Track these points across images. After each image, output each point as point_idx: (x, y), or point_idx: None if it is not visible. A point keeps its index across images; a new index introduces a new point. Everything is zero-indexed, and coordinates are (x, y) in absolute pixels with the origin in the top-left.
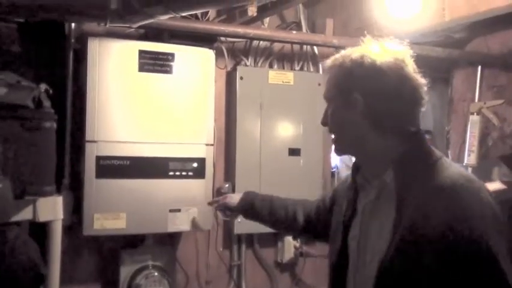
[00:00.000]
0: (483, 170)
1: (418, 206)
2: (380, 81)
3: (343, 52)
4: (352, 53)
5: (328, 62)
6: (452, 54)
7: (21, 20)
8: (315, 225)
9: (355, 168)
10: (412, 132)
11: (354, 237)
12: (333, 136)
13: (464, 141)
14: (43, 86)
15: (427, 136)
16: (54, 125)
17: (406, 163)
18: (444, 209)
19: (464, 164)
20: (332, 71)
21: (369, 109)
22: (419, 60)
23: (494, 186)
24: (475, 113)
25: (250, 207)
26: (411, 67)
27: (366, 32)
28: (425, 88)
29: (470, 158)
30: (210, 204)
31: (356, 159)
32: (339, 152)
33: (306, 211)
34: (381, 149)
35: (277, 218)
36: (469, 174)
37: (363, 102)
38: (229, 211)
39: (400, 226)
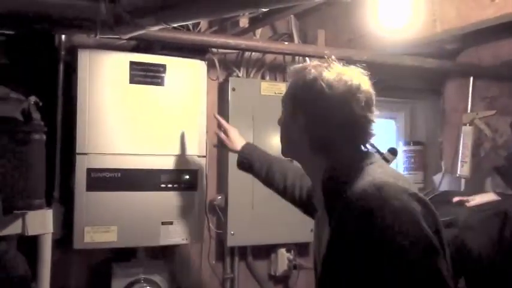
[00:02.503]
0: (476, 181)
1: (337, 218)
2: (323, 110)
3: (306, 65)
4: (310, 70)
5: (291, 70)
6: (444, 65)
7: (10, 32)
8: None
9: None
10: (338, 149)
11: (317, 249)
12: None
13: (457, 152)
14: (32, 99)
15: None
16: (44, 137)
17: (329, 178)
18: (352, 219)
19: (457, 175)
20: (291, 80)
21: (308, 128)
22: (411, 71)
23: (487, 197)
24: (468, 124)
25: (248, 168)
26: (362, 100)
27: (356, 43)
28: (372, 121)
29: (463, 169)
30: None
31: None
32: (283, 153)
33: (302, 188)
34: (314, 165)
35: (273, 186)
36: (381, 179)
37: (304, 120)
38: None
39: (329, 237)
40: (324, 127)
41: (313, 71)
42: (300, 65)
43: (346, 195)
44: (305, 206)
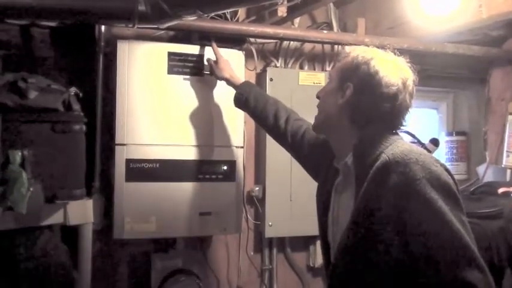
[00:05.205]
0: None
1: (369, 180)
2: (373, 89)
3: (363, 47)
4: (368, 52)
5: (349, 48)
6: (490, 52)
7: (53, 25)
8: (300, 149)
9: (333, 154)
10: (374, 124)
11: (332, 215)
12: (317, 110)
13: (502, 142)
14: (73, 89)
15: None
16: (84, 128)
17: (362, 147)
18: (382, 181)
19: (503, 166)
20: (347, 56)
21: (353, 103)
22: (454, 60)
23: None
24: None
25: (244, 104)
26: (408, 92)
27: (397, 31)
28: (409, 112)
29: (508, 159)
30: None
31: (330, 143)
32: (315, 128)
33: (295, 131)
34: (346, 136)
35: (265, 125)
36: (410, 150)
37: (352, 95)
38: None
39: (357, 200)
40: (370, 102)
41: (372, 51)
42: (361, 46)
43: (381, 160)
44: (297, 151)
